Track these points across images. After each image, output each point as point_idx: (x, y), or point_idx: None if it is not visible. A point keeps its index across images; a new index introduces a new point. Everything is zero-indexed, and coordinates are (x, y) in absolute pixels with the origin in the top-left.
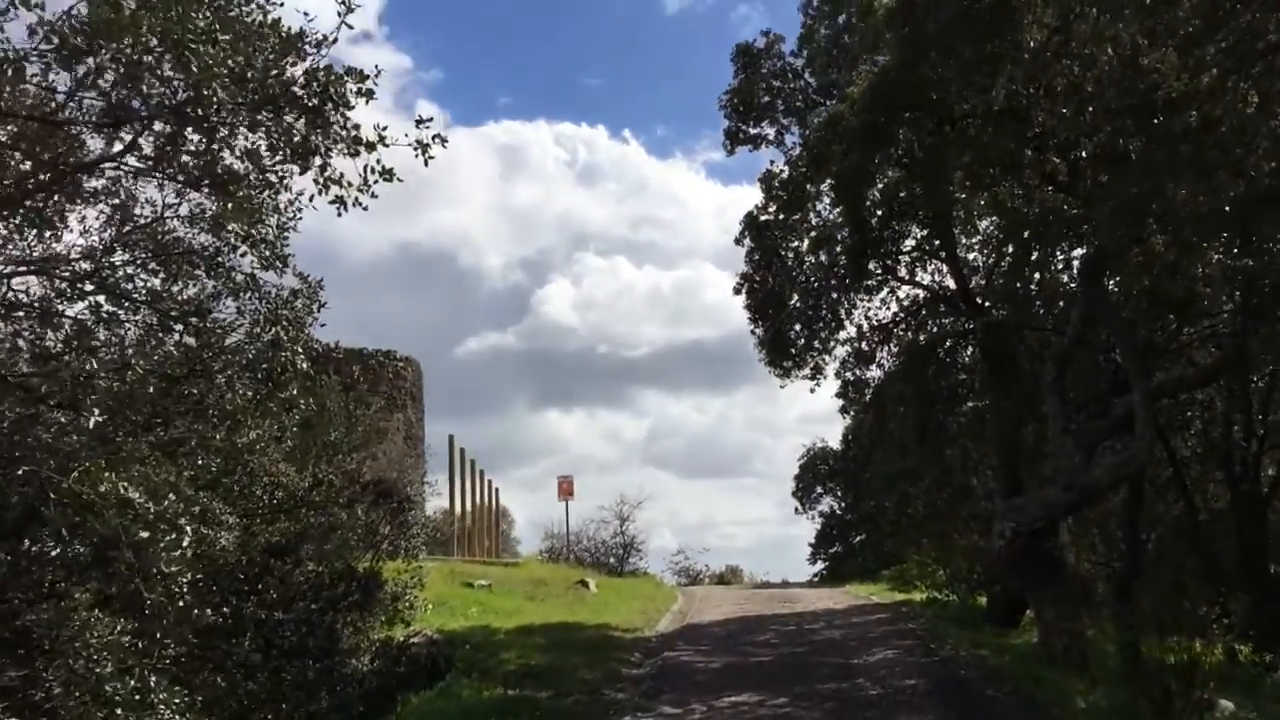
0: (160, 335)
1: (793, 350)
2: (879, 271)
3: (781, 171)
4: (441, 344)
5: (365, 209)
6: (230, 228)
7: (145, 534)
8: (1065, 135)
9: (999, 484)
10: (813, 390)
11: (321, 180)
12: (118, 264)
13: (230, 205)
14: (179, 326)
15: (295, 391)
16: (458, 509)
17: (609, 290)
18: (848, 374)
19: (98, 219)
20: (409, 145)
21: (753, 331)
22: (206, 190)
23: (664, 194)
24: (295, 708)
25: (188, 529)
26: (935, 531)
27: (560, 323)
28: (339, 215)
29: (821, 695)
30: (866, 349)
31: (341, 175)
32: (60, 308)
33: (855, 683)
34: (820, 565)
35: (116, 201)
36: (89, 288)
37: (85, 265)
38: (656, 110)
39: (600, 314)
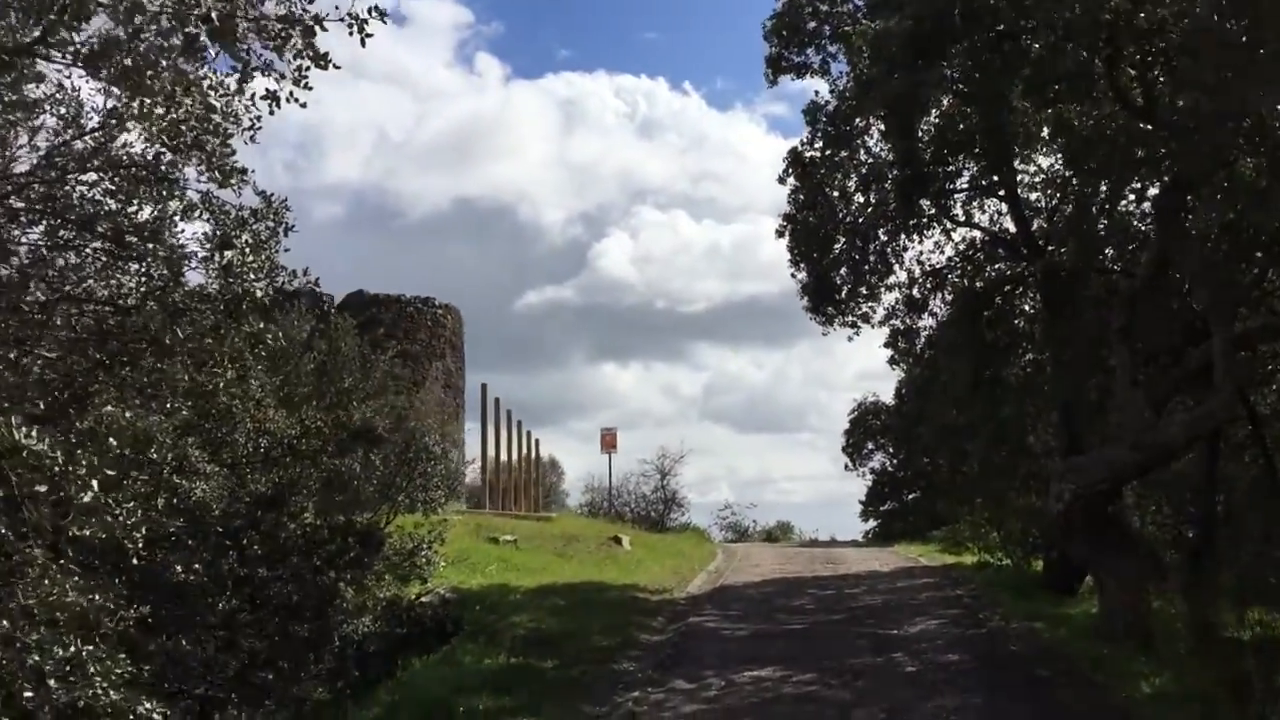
0: (118, 263)
1: (837, 296)
2: (931, 210)
3: (828, 103)
4: (500, 298)
5: (303, 105)
6: (148, 126)
7: (43, 488)
8: (1143, 46)
9: (1058, 441)
10: (850, 339)
11: (244, 70)
12: (69, 181)
13: (142, 98)
14: (135, 254)
15: (260, 325)
16: (490, 461)
17: (667, 245)
18: (896, 322)
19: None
20: (341, 20)
21: (794, 275)
22: (105, 77)
23: (724, 147)
24: (287, 670)
25: (94, 482)
26: (989, 491)
27: (618, 277)
28: (271, 113)
29: (853, 671)
30: (918, 296)
31: (270, 63)
32: (14, 234)
33: (891, 657)
34: (871, 524)
35: (64, 111)
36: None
37: (38, 189)
38: (716, 62)
39: (658, 268)
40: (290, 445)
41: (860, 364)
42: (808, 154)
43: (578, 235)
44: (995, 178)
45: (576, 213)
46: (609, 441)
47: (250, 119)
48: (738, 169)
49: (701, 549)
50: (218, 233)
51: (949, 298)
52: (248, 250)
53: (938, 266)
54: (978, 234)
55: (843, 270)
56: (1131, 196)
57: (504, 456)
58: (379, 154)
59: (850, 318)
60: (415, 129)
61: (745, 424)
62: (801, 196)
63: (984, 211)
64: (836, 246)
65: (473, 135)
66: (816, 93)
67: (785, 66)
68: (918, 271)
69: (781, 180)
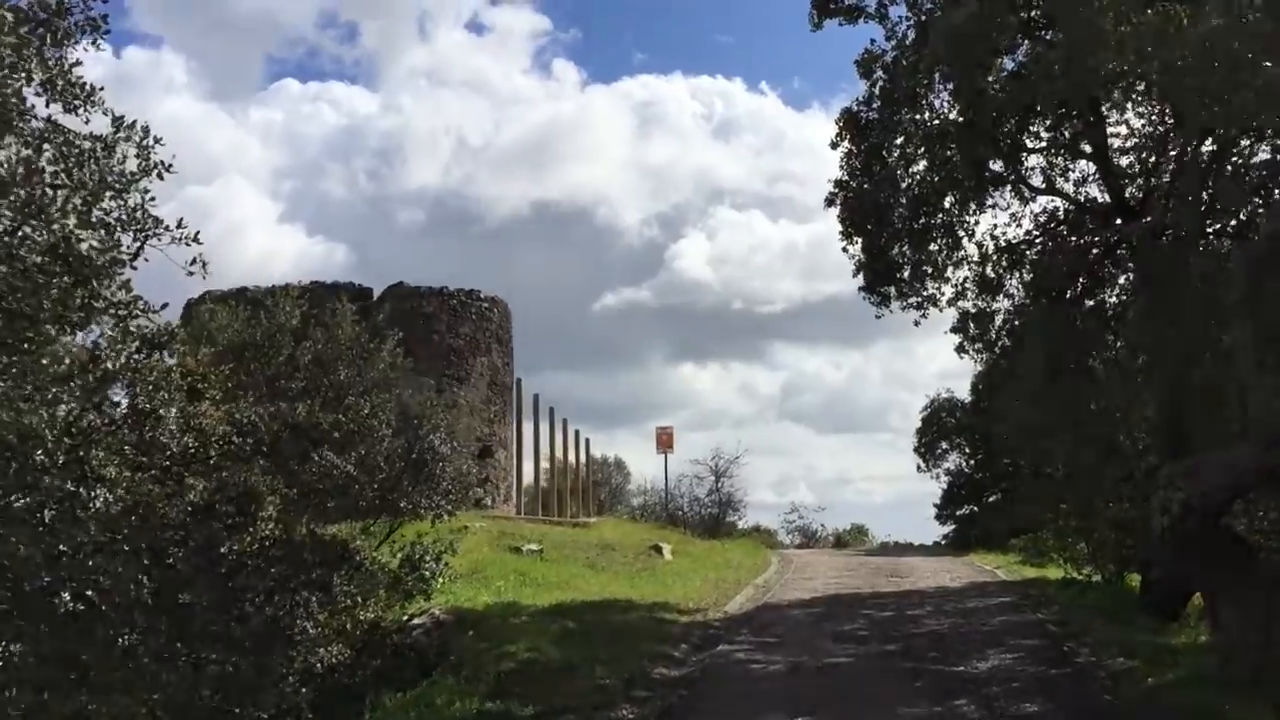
0: None
1: (897, 275)
2: (1004, 172)
3: (884, 53)
4: (578, 300)
5: None
6: None
7: None
8: None
9: (1159, 439)
10: (917, 323)
11: None
12: None
13: None
14: None
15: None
16: (530, 465)
17: (744, 245)
18: (967, 304)
19: None
20: None
21: (845, 250)
22: None
23: (801, 147)
24: (220, 713)
25: None
26: (1075, 496)
27: (695, 278)
28: None
29: None
30: (991, 275)
31: None
32: None
33: (954, 707)
34: (947, 528)
35: None
36: None
37: None
38: (793, 62)
39: (735, 269)
40: (222, 445)
41: (942, 362)
42: (863, 114)
43: (654, 237)
44: (1080, 128)
45: (653, 214)
46: (665, 441)
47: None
48: (815, 168)
49: (755, 557)
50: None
51: (1027, 276)
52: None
53: (1014, 241)
54: (1060, 203)
55: (904, 247)
56: (1247, 144)
57: (546, 461)
58: (458, 160)
59: (914, 299)
60: (494, 134)
61: (824, 424)
62: (856, 161)
63: (1067, 178)
64: (895, 217)
65: (550, 140)
66: (872, 41)
67: (833, 8)
68: (991, 247)
69: (834, 145)
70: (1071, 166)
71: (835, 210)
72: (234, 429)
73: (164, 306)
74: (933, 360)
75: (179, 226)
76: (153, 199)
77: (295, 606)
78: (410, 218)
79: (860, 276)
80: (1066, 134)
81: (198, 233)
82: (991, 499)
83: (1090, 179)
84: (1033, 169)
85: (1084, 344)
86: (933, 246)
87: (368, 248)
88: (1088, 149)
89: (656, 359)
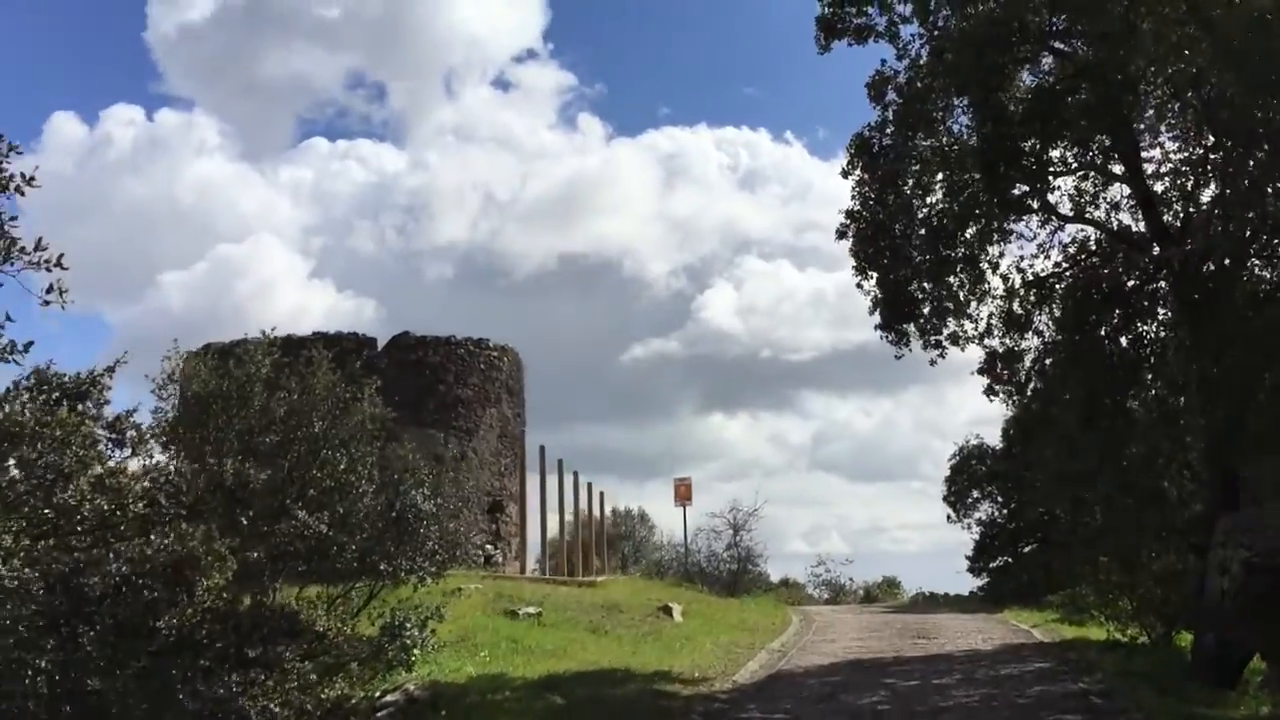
0: None
1: (915, 311)
2: (1028, 197)
3: (896, 74)
4: (606, 352)
5: None
6: None
7: None
8: None
9: (1206, 487)
10: (934, 362)
11: None
12: None
13: None
14: None
15: None
16: (544, 520)
17: (771, 295)
18: (994, 343)
19: None
20: None
21: (859, 286)
22: None
23: (827, 195)
24: None
25: None
26: (1117, 549)
27: (723, 328)
28: None
29: None
30: (1019, 311)
31: None
32: None
33: None
34: (979, 580)
35: None
36: None
37: None
38: (817, 112)
39: (763, 319)
40: (146, 507)
41: (973, 409)
42: (875, 140)
43: (682, 288)
44: (1110, 145)
45: (680, 265)
46: (683, 493)
47: None
48: (842, 217)
49: (773, 617)
50: None
51: (1057, 312)
52: None
53: (1042, 275)
54: (1091, 232)
55: (923, 282)
56: None
57: (568, 516)
58: (486, 215)
59: (934, 338)
60: (521, 189)
61: (855, 472)
62: (869, 191)
63: (1097, 205)
64: (912, 250)
65: (577, 193)
66: (883, 62)
67: (841, 29)
68: (1017, 281)
69: (845, 173)
70: (1103, 193)
71: (848, 243)
72: (157, 489)
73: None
74: (963, 408)
75: (38, 248)
76: (13, 219)
77: (238, 689)
78: (439, 272)
79: (877, 314)
80: (1096, 156)
81: (61, 256)
82: (1026, 550)
83: (1123, 205)
84: (1060, 196)
85: (1121, 383)
86: (953, 281)
87: (397, 302)
88: (1119, 170)
89: (686, 409)
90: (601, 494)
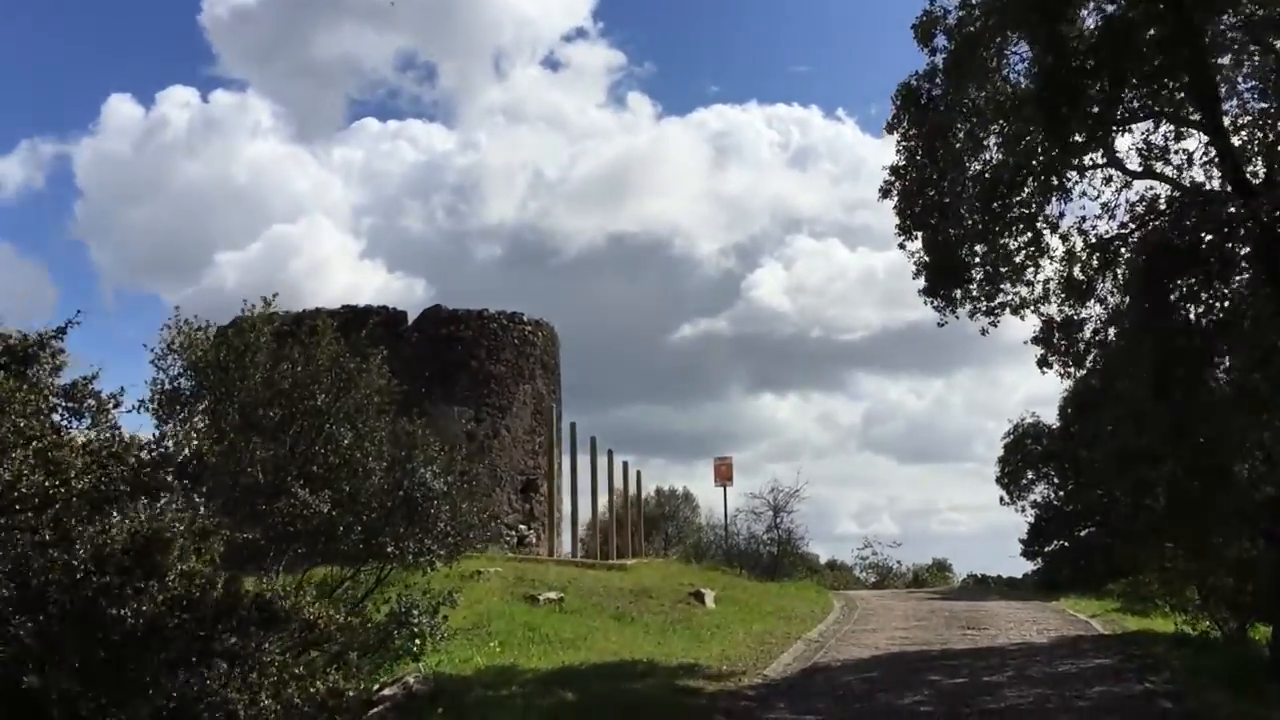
0: None
1: (965, 275)
2: (1090, 143)
3: (947, 14)
4: (655, 331)
5: None
6: None
7: None
8: None
9: None
10: (984, 331)
11: None
12: None
13: None
14: None
15: None
16: (582, 500)
17: (821, 274)
18: (1051, 309)
19: None
20: None
21: (903, 247)
22: None
23: (879, 173)
24: None
25: None
26: (1186, 534)
27: (772, 307)
28: None
29: None
30: (1080, 277)
31: None
32: None
33: None
34: (1033, 565)
35: None
36: None
37: None
38: (869, 89)
39: (812, 298)
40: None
41: (1028, 390)
42: (923, 90)
43: (731, 267)
44: (1186, 84)
45: (730, 245)
46: (723, 473)
47: None
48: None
49: (813, 603)
50: None
51: (1123, 276)
52: None
53: (1106, 236)
54: (1161, 189)
55: (974, 244)
56: None
57: (603, 497)
58: (535, 194)
59: (986, 304)
60: (570, 169)
61: (906, 453)
62: (915, 145)
63: (1168, 160)
64: (963, 209)
65: (626, 172)
66: (932, 1)
67: None
68: (1079, 244)
69: (890, 127)
70: (1174, 145)
71: (891, 202)
72: (95, 460)
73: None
74: (1017, 389)
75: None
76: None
77: (212, 683)
78: (488, 252)
79: (922, 278)
80: (1170, 100)
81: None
82: (1083, 533)
83: (1197, 159)
84: (1127, 150)
85: (1195, 353)
86: (1009, 242)
87: (447, 281)
88: (1196, 117)
89: (735, 389)
90: (639, 473)
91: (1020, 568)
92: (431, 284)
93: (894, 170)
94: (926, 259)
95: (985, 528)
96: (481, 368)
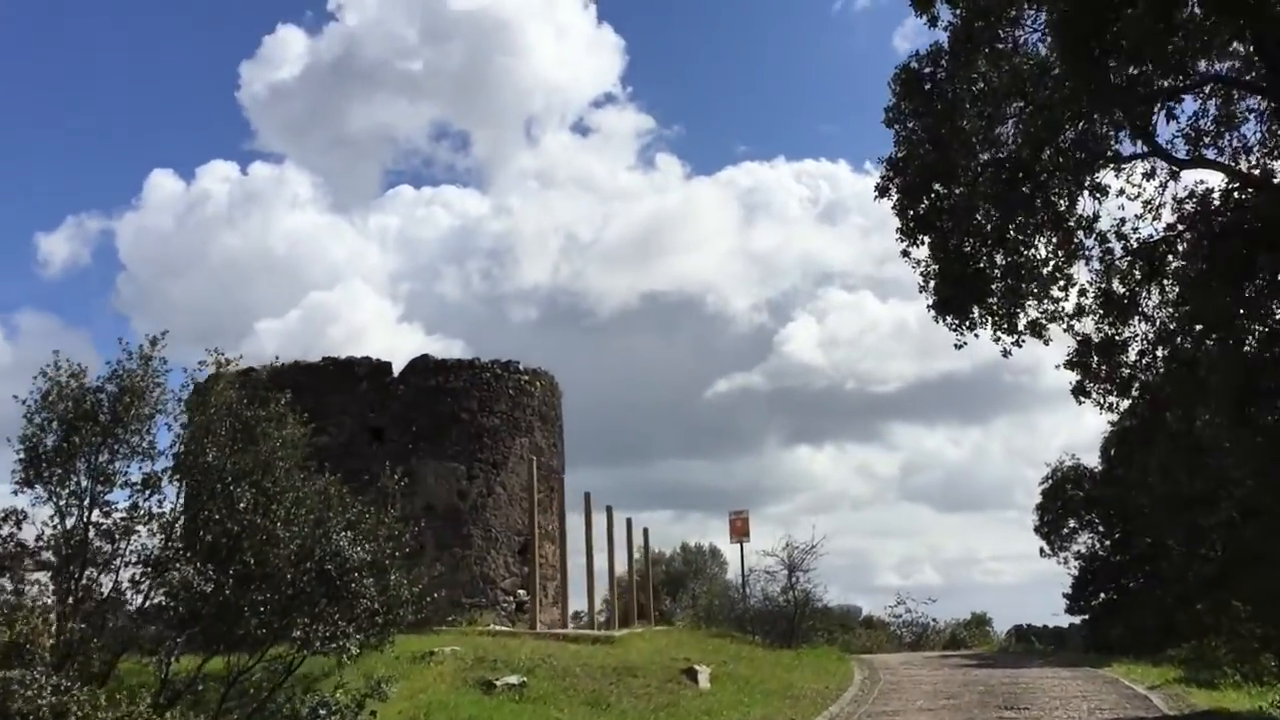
0: None
1: (983, 287)
2: (1132, 101)
3: None
4: (691, 387)
5: None
6: None
7: None
8: None
9: None
10: (1006, 353)
11: None
12: None
13: None
14: None
15: None
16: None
17: (854, 326)
18: (1088, 323)
19: None
20: None
21: (906, 255)
22: None
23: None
24: None
25: None
26: (1255, 588)
27: (806, 361)
28: None
29: None
30: (1121, 289)
31: None
32: None
33: None
34: (1078, 619)
35: None
36: None
37: None
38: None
39: (846, 350)
40: None
41: (1067, 435)
42: (926, 73)
43: (764, 322)
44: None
45: (762, 300)
46: (739, 528)
47: None
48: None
49: (828, 677)
50: None
51: (1171, 290)
52: None
53: (1150, 240)
54: (1218, 180)
55: (993, 251)
56: None
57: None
58: (567, 256)
59: (1007, 321)
60: (602, 230)
61: (946, 503)
62: (918, 132)
63: (1220, 146)
64: (979, 206)
65: (657, 232)
66: None
67: None
68: (1118, 250)
69: (890, 120)
70: (1226, 131)
71: (890, 201)
72: None
73: None
74: (1056, 435)
75: None
76: None
77: None
78: (524, 314)
79: (930, 291)
80: (1232, 57)
81: None
82: (1132, 585)
83: (1257, 144)
84: (1171, 140)
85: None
86: (1033, 245)
87: (484, 343)
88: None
89: (772, 443)
90: (646, 531)
91: (1067, 617)
92: (469, 346)
93: (892, 164)
94: (935, 268)
95: (1029, 577)
96: (474, 420)
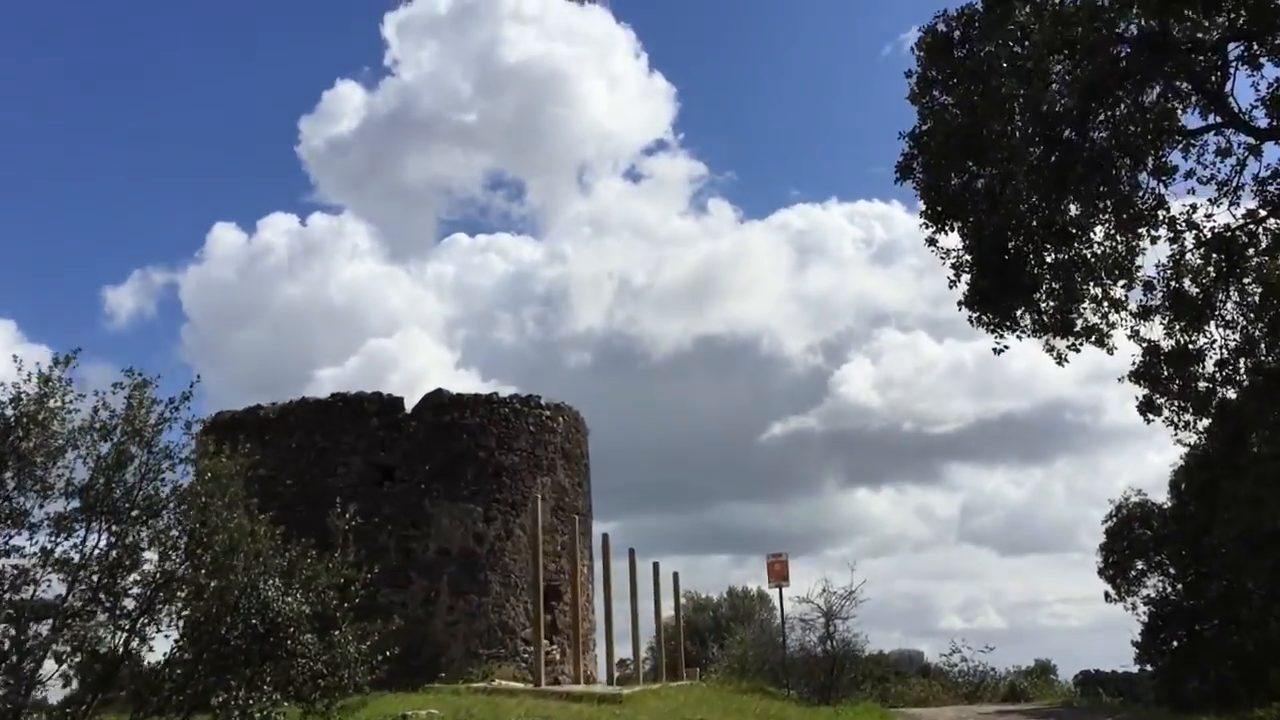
0: None
1: (1026, 281)
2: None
3: None
4: (746, 431)
5: None
6: None
7: None
8: None
9: None
10: (1060, 360)
11: None
12: None
13: None
14: None
15: None
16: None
17: (909, 367)
18: (1157, 325)
19: None
20: None
21: (932, 242)
22: None
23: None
24: None
25: None
26: None
27: (862, 403)
28: None
29: None
30: (1194, 289)
31: None
32: None
33: None
34: (1149, 667)
35: None
36: None
37: None
38: None
39: (902, 391)
40: None
41: (1133, 475)
42: (955, 33)
43: (819, 364)
44: None
45: (817, 342)
46: (778, 571)
47: None
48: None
49: None
50: None
51: (1253, 290)
52: None
53: (1227, 230)
54: None
55: (1041, 242)
56: None
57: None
58: (621, 301)
59: (1060, 321)
60: (655, 275)
61: (1008, 545)
62: (945, 99)
63: None
64: (1020, 189)
65: (710, 276)
66: None
67: None
68: (1189, 241)
69: (916, 94)
70: None
71: (913, 184)
72: None
73: None
74: (1121, 475)
75: None
76: None
77: None
78: (579, 359)
79: (962, 284)
80: None
81: None
82: (1206, 631)
83: None
84: (1249, 110)
85: None
86: (1088, 240)
87: (538, 388)
88: None
89: (829, 485)
90: (676, 575)
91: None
92: (524, 390)
93: (915, 138)
94: (968, 258)
95: (1097, 620)
96: (491, 458)
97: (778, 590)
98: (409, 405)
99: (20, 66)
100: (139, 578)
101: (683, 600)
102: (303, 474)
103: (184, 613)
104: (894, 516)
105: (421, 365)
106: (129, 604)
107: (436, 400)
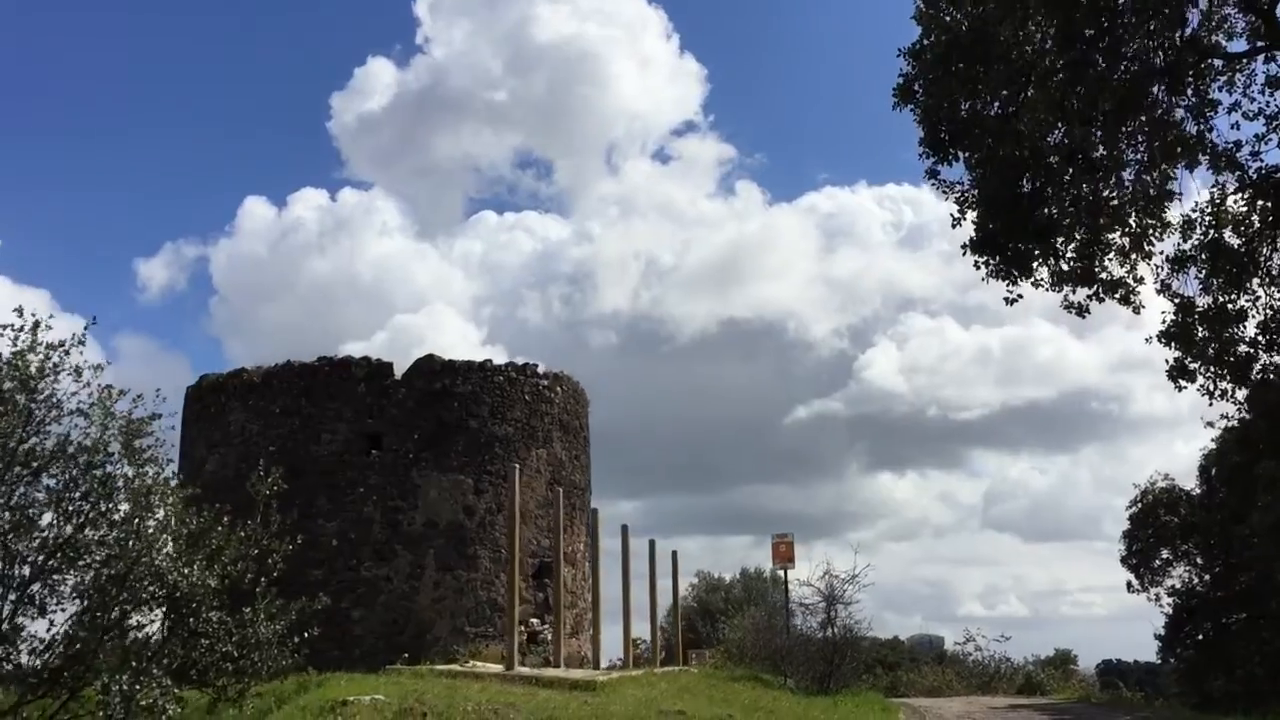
0: None
1: (1042, 223)
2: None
3: None
4: (770, 413)
5: None
6: None
7: None
8: None
9: None
10: (1081, 312)
11: None
12: None
13: None
14: None
15: None
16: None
17: (935, 352)
18: (1190, 288)
19: None
20: None
21: (935, 174)
22: None
23: None
24: None
25: None
26: None
27: (887, 387)
28: None
29: None
30: (1234, 239)
31: None
32: None
33: None
34: (1173, 661)
35: None
36: None
37: None
38: None
39: (927, 377)
40: None
41: (1160, 464)
42: None
43: (844, 348)
44: None
45: (842, 326)
46: (782, 553)
47: None
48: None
49: None
50: None
51: None
52: None
53: (1275, 171)
54: None
55: (1060, 177)
56: None
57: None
58: (647, 282)
59: (1082, 267)
60: (682, 256)
61: (1031, 532)
62: (951, 11)
63: None
64: (1033, 108)
65: (737, 259)
66: None
67: None
68: (1230, 184)
69: (920, 14)
70: None
71: (911, 109)
72: None
73: None
74: (1148, 464)
75: None
76: None
77: None
78: (604, 339)
79: (967, 222)
80: None
81: None
82: (1234, 625)
83: None
84: None
85: None
86: (1123, 164)
87: (565, 368)
88: None
89: (852, 469)
90: (674, 554)
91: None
92: (551, 369)
93: (915, 55)
94: (974, 194)
95: (1120, 608)
96: (483, 428)
97: (783, 571)
98: (399, 371)
99: (54, 44)
100: (35, 543)
101: (695, 580)
102: (286, 441)
103: (73, 581)
104: (917, 501)
105: (449, 341)
106: (25, 571)
107: (428, 366)
